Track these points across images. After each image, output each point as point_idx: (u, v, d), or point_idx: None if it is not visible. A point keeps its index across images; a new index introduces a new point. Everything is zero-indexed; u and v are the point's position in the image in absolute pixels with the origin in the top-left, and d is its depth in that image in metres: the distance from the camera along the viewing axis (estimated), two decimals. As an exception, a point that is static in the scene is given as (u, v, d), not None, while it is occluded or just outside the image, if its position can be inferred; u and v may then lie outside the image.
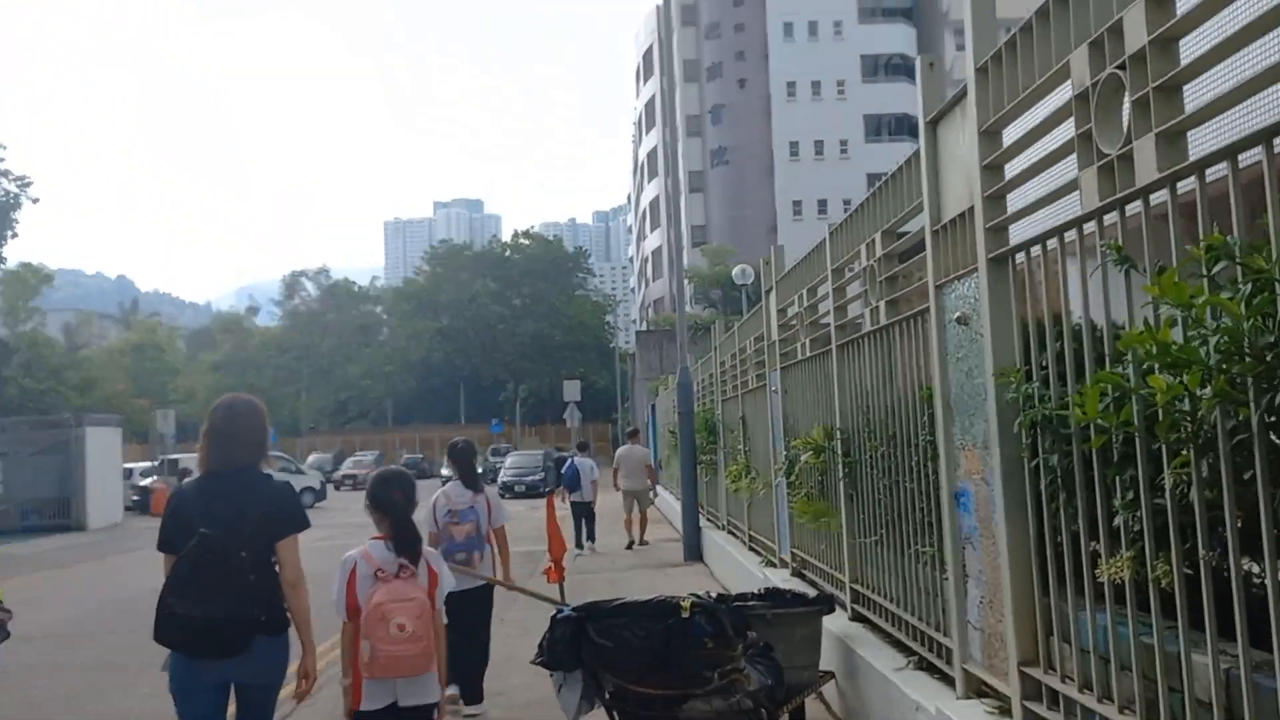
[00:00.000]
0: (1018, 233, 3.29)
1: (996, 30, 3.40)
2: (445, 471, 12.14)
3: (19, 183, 39.23)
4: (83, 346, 66.28)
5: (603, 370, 66.62)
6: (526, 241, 68.09)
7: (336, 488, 43.48)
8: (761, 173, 54.97)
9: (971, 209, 3.50)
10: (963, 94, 3.58)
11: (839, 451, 5.61)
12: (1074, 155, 2.81)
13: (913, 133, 56.89)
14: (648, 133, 69.81)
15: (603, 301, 73.83)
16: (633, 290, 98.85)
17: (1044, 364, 3.05)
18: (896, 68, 57.26)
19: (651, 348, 36.78)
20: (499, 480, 32.33)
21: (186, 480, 3.82)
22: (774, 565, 7.71)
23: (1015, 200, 3.35)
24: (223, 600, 3.41)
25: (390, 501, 3.81)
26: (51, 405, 40.43)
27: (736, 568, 9.10)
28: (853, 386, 5.45)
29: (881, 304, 4.76)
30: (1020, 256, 3.28)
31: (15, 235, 39.37)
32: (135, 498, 28.94)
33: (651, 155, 68.76)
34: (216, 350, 74.26)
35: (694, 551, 12.32)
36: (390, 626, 3.50)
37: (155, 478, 30.60)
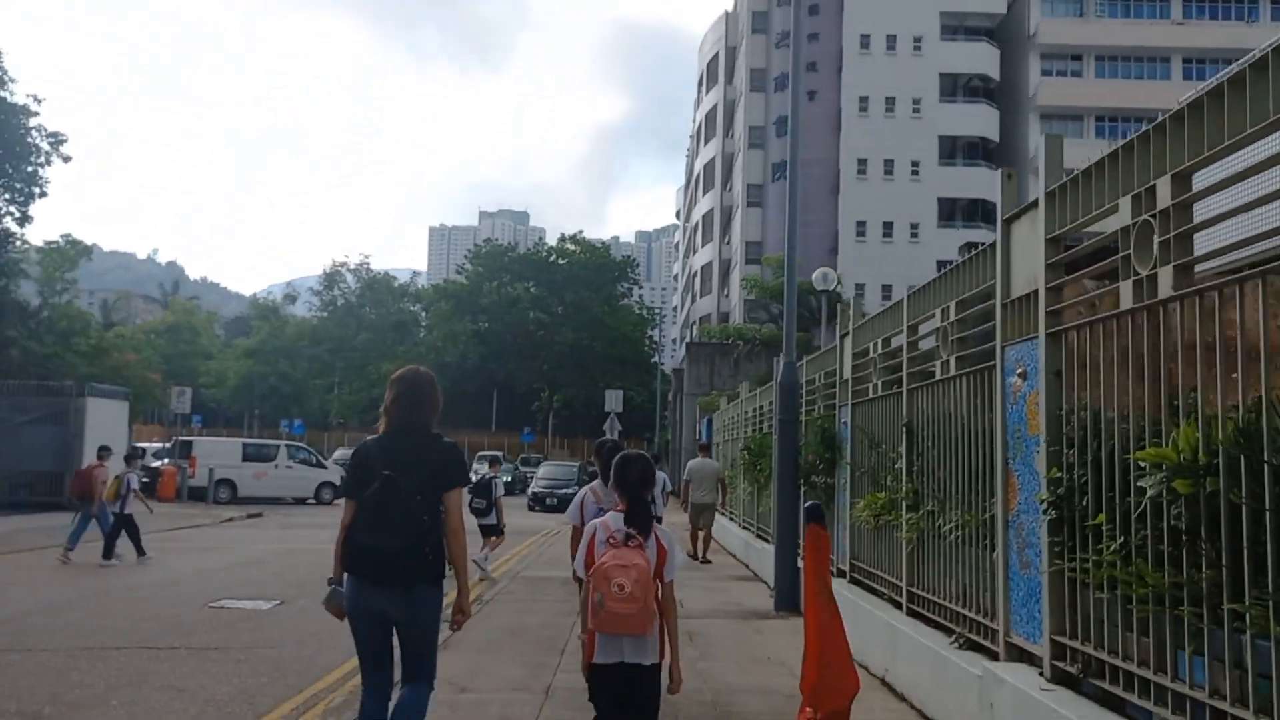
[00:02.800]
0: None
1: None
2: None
3: (52, 139, 39.53)
4: (119, 324, 68.81)
5: (640, 387, 67.87)
6: (573, 247, 69.84)
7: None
8: (826, 190, 56.19)
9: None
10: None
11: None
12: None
13: (988, 158, 57.94)
14: (706, 143, 71.25)
15: (647, 315, 75.26)
16: (675, 309, 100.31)
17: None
18: (976, 89, 58.20)
19: (702, 361, 38.02)
20: (529, 491, 32.95)
21: (370, 437, 4.61)
22: (983, 648, 5.60)
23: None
24: (400, 533, 4.24)
25: (627, 480, 4.49)
26: (55, 372, 40.33)
27: (879, 637, 7.26)
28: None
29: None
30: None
31: (44, 195, 39.65)
32: (145, 479, 29.48)
33: (709, 167, 70.24)
34: (252, 337, 76.73)
35: (789, 599, 10.55)
36: (611, 585, 4.09)
37: (167, 460, 30.75)
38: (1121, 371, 4.17)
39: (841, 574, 9.37)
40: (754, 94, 61.79)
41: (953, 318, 6.10)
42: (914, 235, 56.65)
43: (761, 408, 15.40)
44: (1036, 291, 4.83)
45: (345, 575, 4.41)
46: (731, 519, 18.79)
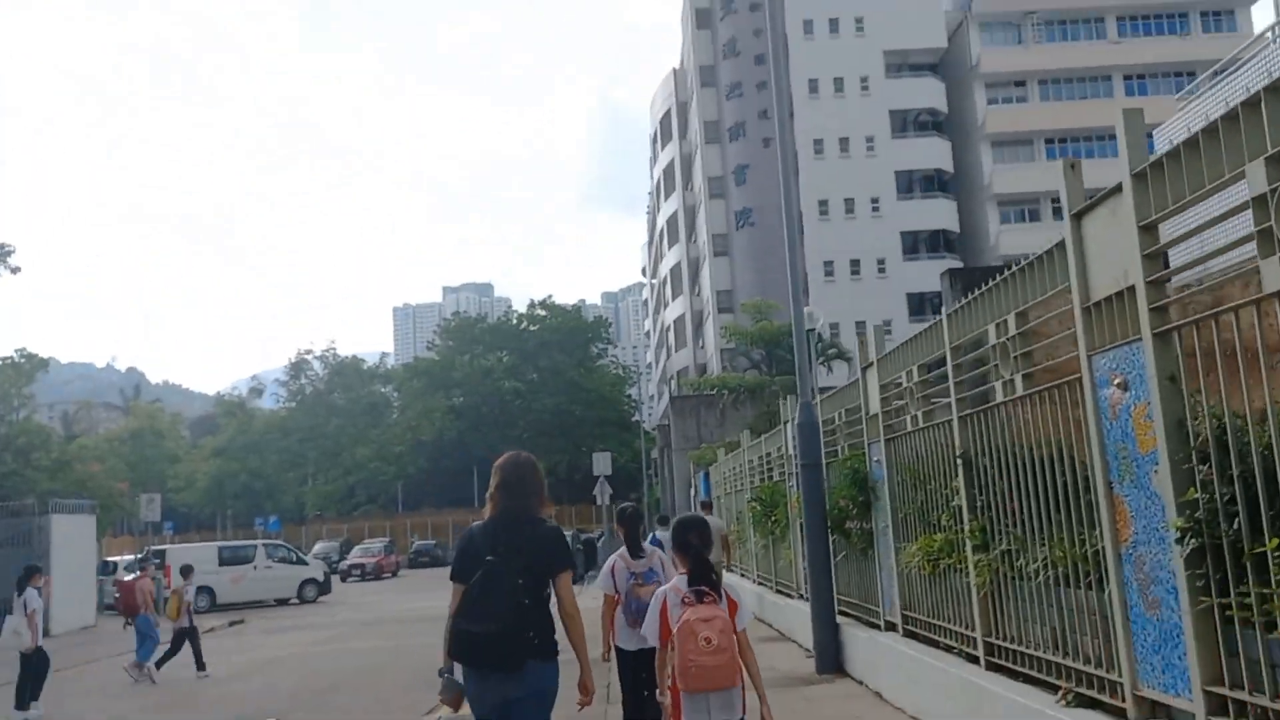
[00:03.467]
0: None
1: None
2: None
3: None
4: (81, 435, 67.18)
5: (623, 447, 67.04)
6: (543, 313, 69.35)
7: (343, 579, 43.14)
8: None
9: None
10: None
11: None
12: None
13: (944, 188, 58.29)
14: (666, 198, 71.45)
15: (623, 374, 74.70)
16: (649, 366, 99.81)
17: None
18: (926, 123, 58.74)
19: (687, 415, 37.31)
20: None
21: (475, 523, 4.65)
22: (1101, 704, 4.83)
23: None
24: (502, 618, 4.23)
25: (688, 543, 4.68)
26: (14, 490, 39.42)
27: (954, 696, 6.45)
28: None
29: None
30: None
31: None
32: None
33: (671, 221, 70.31)
34: (219, 435, 75.20)
35: (832, 660, 9.74)
36: (699, 640, 4.24)
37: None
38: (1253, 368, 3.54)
39: (891, 626, 8.61)
40: (710, 146, 62.00)
41: (1013, 331, 5.46)
42: (881, 270, 56.66)
43: (769, 455, 14.70)
44: (1133, 288, 4.20)
45: (455, 664, 4.46)
46: (743, 575, 17.96)
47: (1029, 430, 5.48)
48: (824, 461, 10.26)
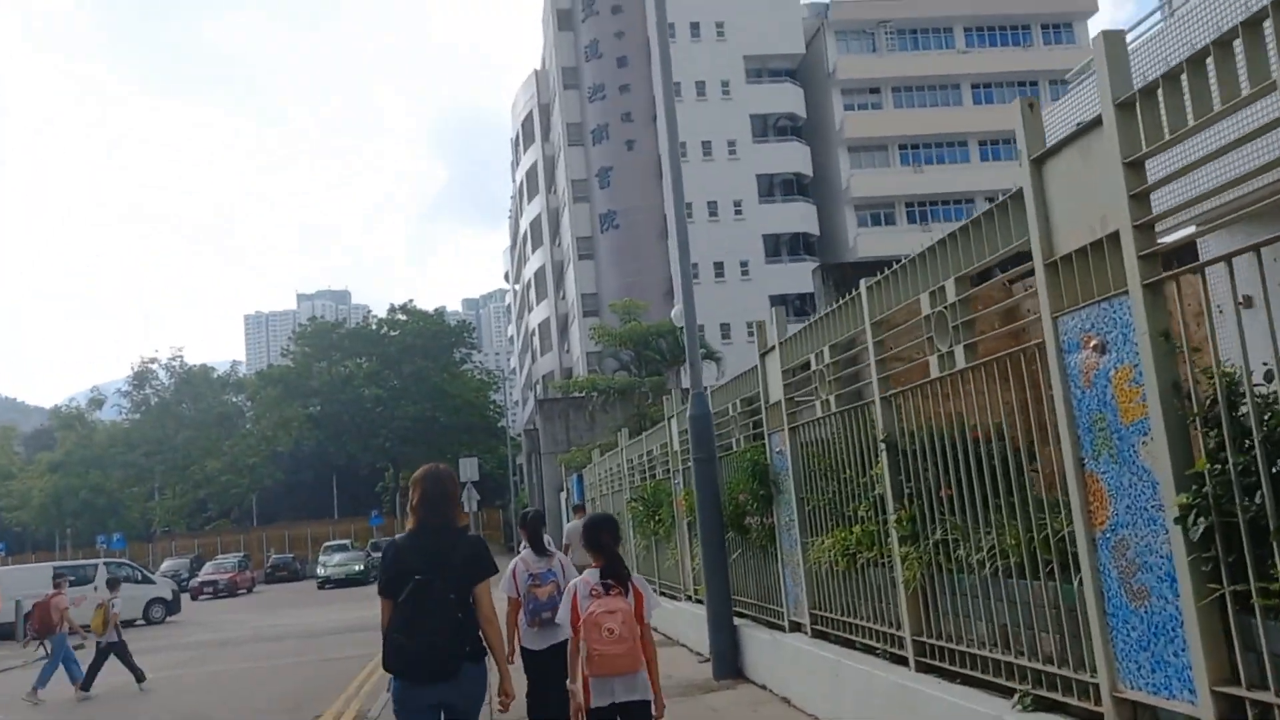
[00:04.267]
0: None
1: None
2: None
3: None
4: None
5: (488, 454, 65.67)
6: (403, 317, 67.03)
7: (194, 597, 40.61)
8: (654, 236, 55.95)
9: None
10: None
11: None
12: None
13: (804, 192, 59.18)
14: (530, 201, 70.34)
15: (488, 379, 73.10)
16: (513, 371, 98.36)
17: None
18: (785, 129, 59.53)
19: (556, 418, 36.46)
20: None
21: (399, 535, 4.78)
22: (1066, 708, 4.31)
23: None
24: (437, 633, 4.41)
25: (600, 541, 5.00)
26: None
27: (883, 703, 5.83)
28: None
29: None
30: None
31: None
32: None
33: (535, 224, 69.25)
34: (57, 449, 69.97)
35: (730, 665, 9.10)
36: (602, 630, 4.62)
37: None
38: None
39: (797, 627, 8.04)
40: (573, 148, 61.25)
41: (953, 298, 4.91)
42: (745, 273, 57.04)
43: (650, 452, 14.04)
44: (1115, 235, 3.67)
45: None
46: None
47: (971, 406, 4.93)
48: (717, 455, 9.64)
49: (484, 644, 4.61)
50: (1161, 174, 3.57)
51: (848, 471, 6.60)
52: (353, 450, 64.07)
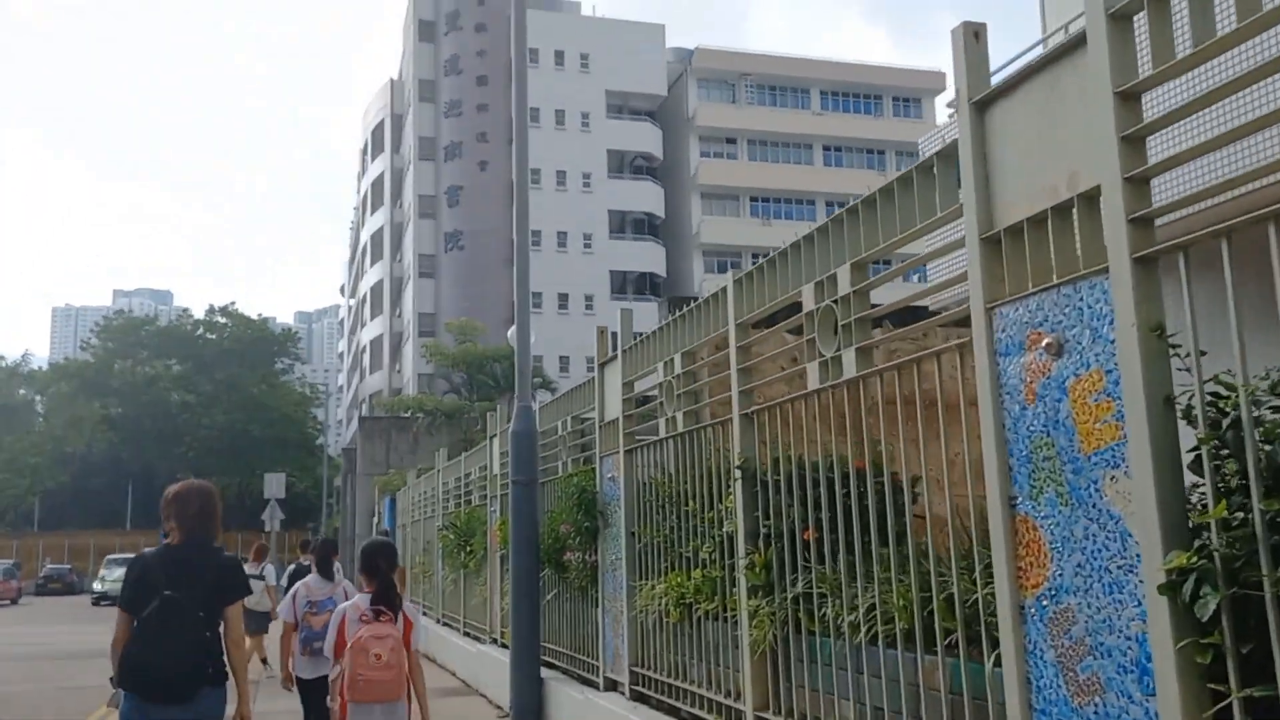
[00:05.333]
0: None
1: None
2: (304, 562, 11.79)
3: None
4: None
5: (303, 472, 62.15)
6: (223, 320, 62.75)
7: (-48, 608, 36.38)
8: (499, 261, 54.40)
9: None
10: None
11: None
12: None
13: (654, 233, 59.00)
14: (373, 212, 67.74)
15: (310, 393, 69.30)
16: (340, 389, 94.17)
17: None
18: (641, 167, 59.40)
19: (377, 438, 34.25)
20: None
21: (148, 550, 4.64)
22: None
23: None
24: (181, 652, 4.24)
25: (376, 566, 4.95)
26: None
27: None
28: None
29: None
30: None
31: None
32: None
33: (376, 237, 66.62)
34: None
35: None
36: (369, 656, 4.62)
37: None
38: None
39: (613, 685, 6.86)
40: (424, 162, 59.30)
41: (847, 289, 3.89)
42: (589, 308, 56.21)
43: (469, 475, 12.66)
44: (1091, 196, 2.72)
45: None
46: (427, 612, 15.66)
47: (855, 426, 3.91)
48: (539, 479, 8.40)
49: (227, 668, 4.46)
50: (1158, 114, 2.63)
51: (691, 504, 5.50)
52: (150, 458, 59.26)
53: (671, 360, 5.75)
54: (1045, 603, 2.88)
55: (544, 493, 8.47)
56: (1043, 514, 2.89)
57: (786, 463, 4.44)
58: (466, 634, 12.42)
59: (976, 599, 3.19)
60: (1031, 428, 2.93)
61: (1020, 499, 2.98)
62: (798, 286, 4.30)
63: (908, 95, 60.42)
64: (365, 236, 70.05)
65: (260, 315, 62.92)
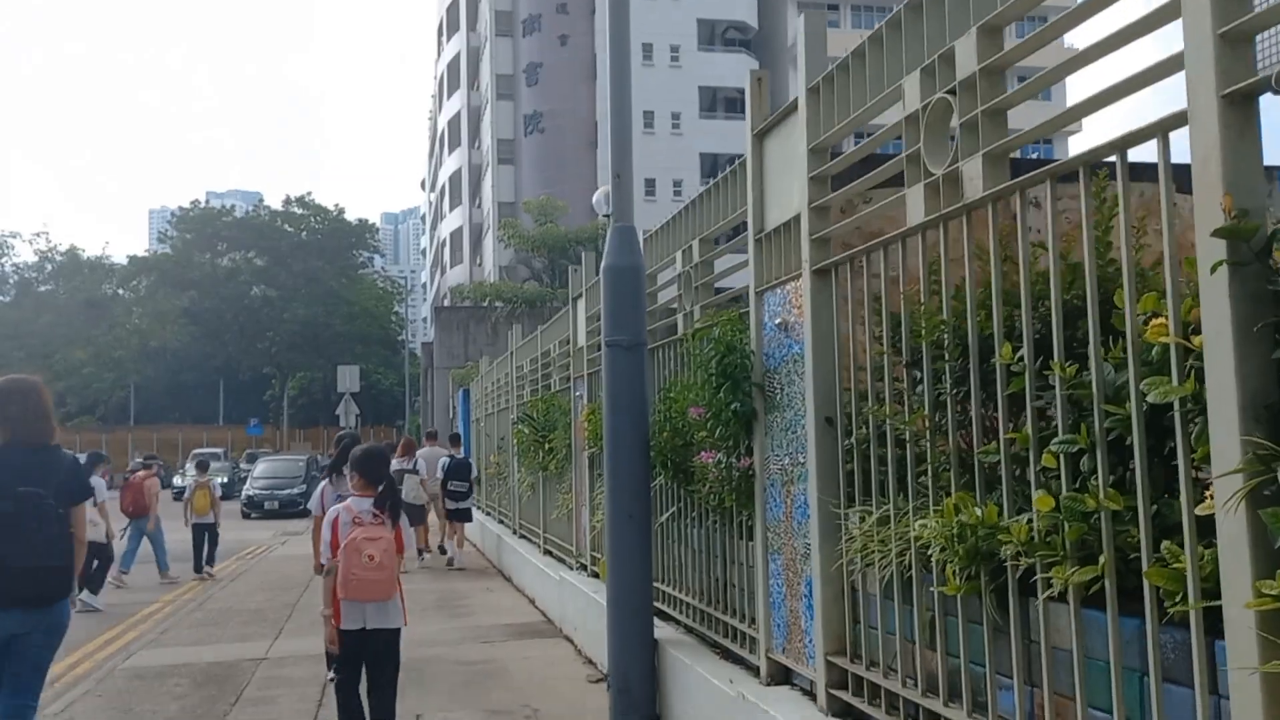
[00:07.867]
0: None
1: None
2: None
3: None
4: None
5: (386, 369, 61.01)
6: (300, 211, 61.13)
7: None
8: (582, 144, 51.58)
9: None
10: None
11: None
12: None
13: (746, 46, 54.62)
14: (450, 97, 65.33)
15: (391, 288, 67.55)
16: (424, 287, 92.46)
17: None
18: (732, 40, 55.04)
19: (455, 329, 32.16)
20: (244, 494, 28.09)
21: None
22: None
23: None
24: (46, 551, 4.27)
25: (382, 475, 5.19)
26: None
27: None
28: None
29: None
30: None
31: None
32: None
33: (454, 122, 64.40)
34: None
35: (642, 708, 5.29)
36: (362, 556, 4.78)
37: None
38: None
39: (784, 675, 4.07)
40: (500, 39, 56.59)
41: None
42: (677, 192, 52.87)
43: (546, 353, 9.92)
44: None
45: None
46: (503, 521, 13.15)
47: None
48: (647, 341, 5.47)
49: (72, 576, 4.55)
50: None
51: (1013, 355, 2.54)
52: (232, 351, 59.20)
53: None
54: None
55: (654, 362, 5.57)
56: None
57: None
58: (548, 552, 9.81)
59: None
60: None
61: None
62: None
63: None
64: (442, 123, 68.05)
65: (337, 206, 60.53)
